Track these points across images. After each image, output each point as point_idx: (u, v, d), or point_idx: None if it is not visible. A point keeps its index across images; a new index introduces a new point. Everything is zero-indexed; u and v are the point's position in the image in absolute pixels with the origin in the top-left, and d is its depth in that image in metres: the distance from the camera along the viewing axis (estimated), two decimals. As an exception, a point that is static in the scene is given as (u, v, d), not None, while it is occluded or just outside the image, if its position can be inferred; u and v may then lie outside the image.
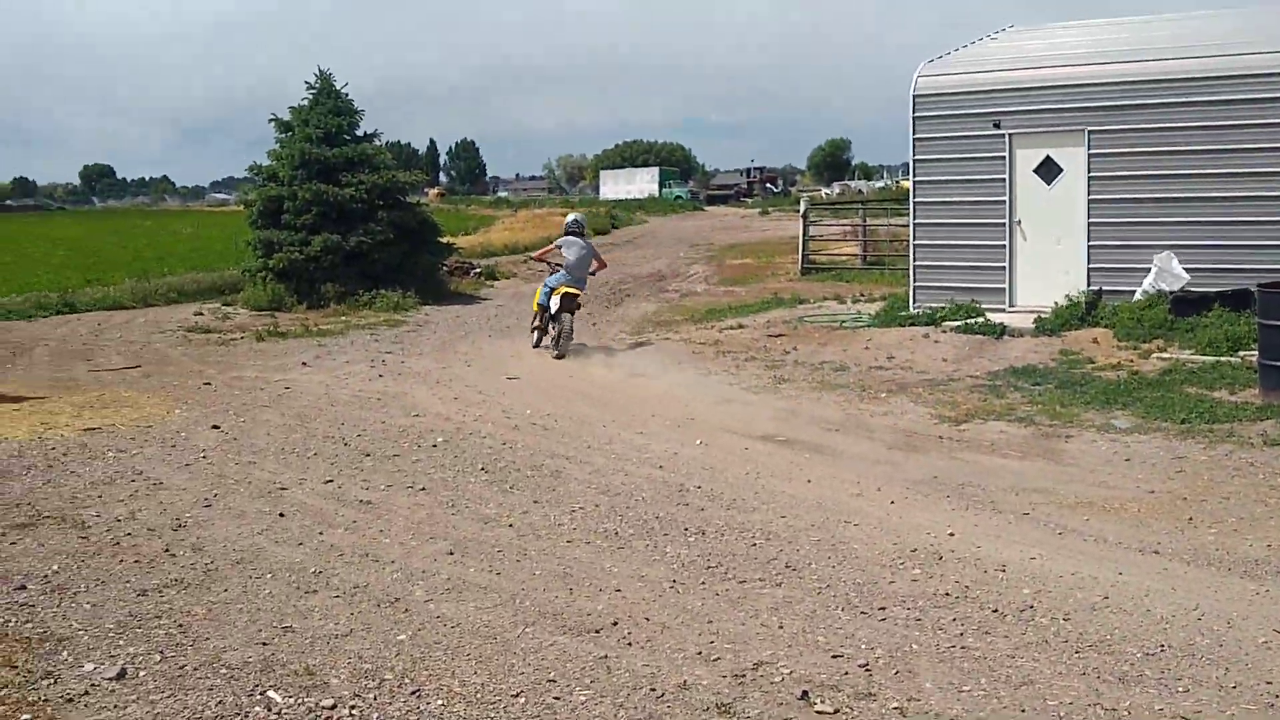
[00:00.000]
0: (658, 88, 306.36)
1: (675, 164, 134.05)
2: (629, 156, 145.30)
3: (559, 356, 15.52)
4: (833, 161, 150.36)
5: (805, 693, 5.16)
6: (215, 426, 11.32)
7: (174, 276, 26.21)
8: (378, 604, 6.35)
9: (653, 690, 5.24)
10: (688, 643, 5.77)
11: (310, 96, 25.21)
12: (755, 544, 7.38)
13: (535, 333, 16.62)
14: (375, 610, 6.26)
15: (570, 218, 17.81)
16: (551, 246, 17.22)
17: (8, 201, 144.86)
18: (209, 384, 14.04)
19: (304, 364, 15.72)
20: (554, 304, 15.82)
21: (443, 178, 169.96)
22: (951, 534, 7.56)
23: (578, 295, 16.00)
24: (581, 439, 10.71)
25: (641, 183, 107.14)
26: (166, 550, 7.33)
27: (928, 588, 6.50)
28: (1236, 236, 15.48)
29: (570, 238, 16.66)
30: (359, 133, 25.36)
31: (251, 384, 14.05)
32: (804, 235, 29.39)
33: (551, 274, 16.36)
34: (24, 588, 6.60)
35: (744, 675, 5.38)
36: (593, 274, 17.04)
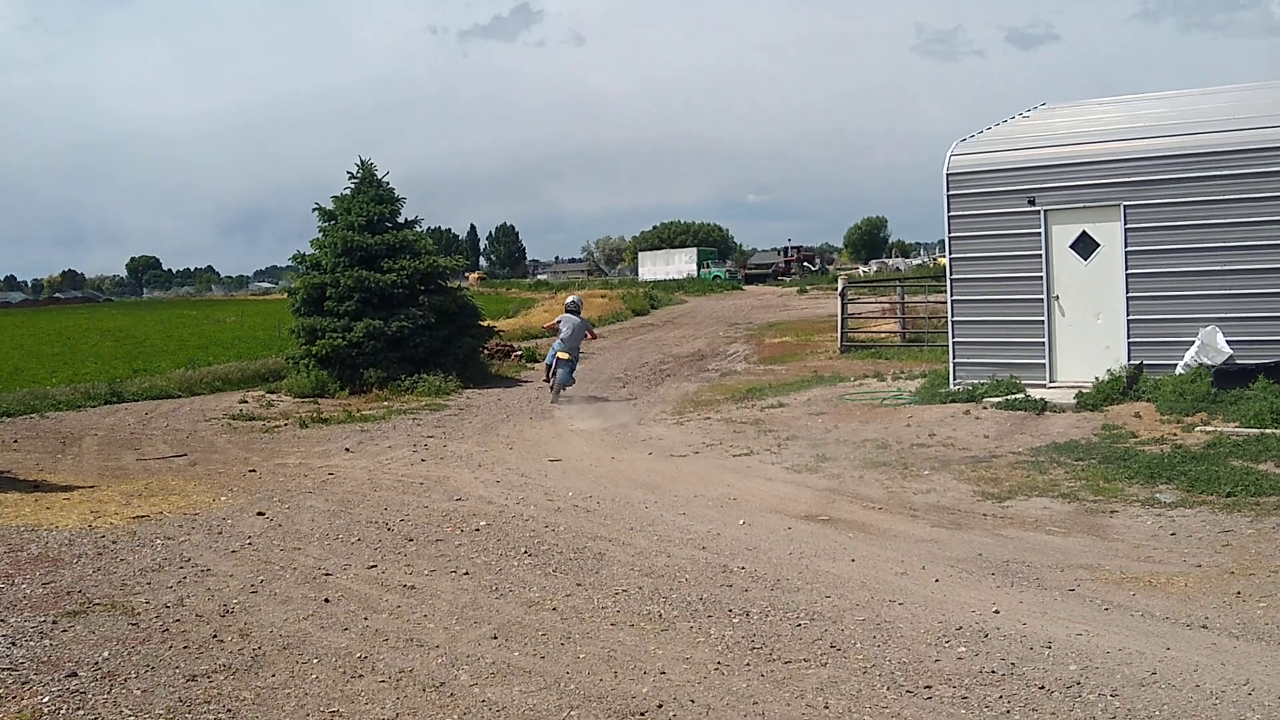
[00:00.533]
0: (694, 170, 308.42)
1: (713, 244, 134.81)
2: (667, 237, 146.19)
3: (555, 401, 20.39)
4: (869, 239, 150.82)
5: (852, 774, 5.14)
6: (260, 513, 11.43)
7: (219, 365, 26.60)
8: (423, 688, 6.38)
9: (699, 773, 5.23)
10: (733, 725, 5.76)
11: (352, 185, 25.72)
12: (800, 624, 7.36)
13: (548, 384, 21.16)
14: (421, 695, 6.29)
15: (569, 299, 22.51)
16: (554, 321, 21.84)
17: (56, 294, 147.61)
18: (254, 471, 14.18)
19: (347, 450, 15.85)
20: (554, 363, 20.78)
21: (483, 262, 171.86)
22: (997, 611, 7.52)
23: (569, 359, 20.76)
24: (624, 520, 10.74)
25: (680, 263, 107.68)
26: (214, 636, 7.39)
27: (973, 665, 6.47)
28: (1278, 308, 15.41)
29: (568, 315, 21.25)
30: (400, 220, 25.78)
31: (295, 470, 14.18)
32: (842, 313, 29.49)
33: (555, 342, 21.09)
34: (75, 674, 6.67)
35: (790, 757, 5.36)
36: (591, 338, 22.72)
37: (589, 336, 22.15)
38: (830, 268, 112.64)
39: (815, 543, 9.73)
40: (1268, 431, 12.97)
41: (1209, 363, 15.35)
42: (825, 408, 17.51)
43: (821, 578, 8.52)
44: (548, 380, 21.12)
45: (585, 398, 21.10)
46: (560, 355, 20.67)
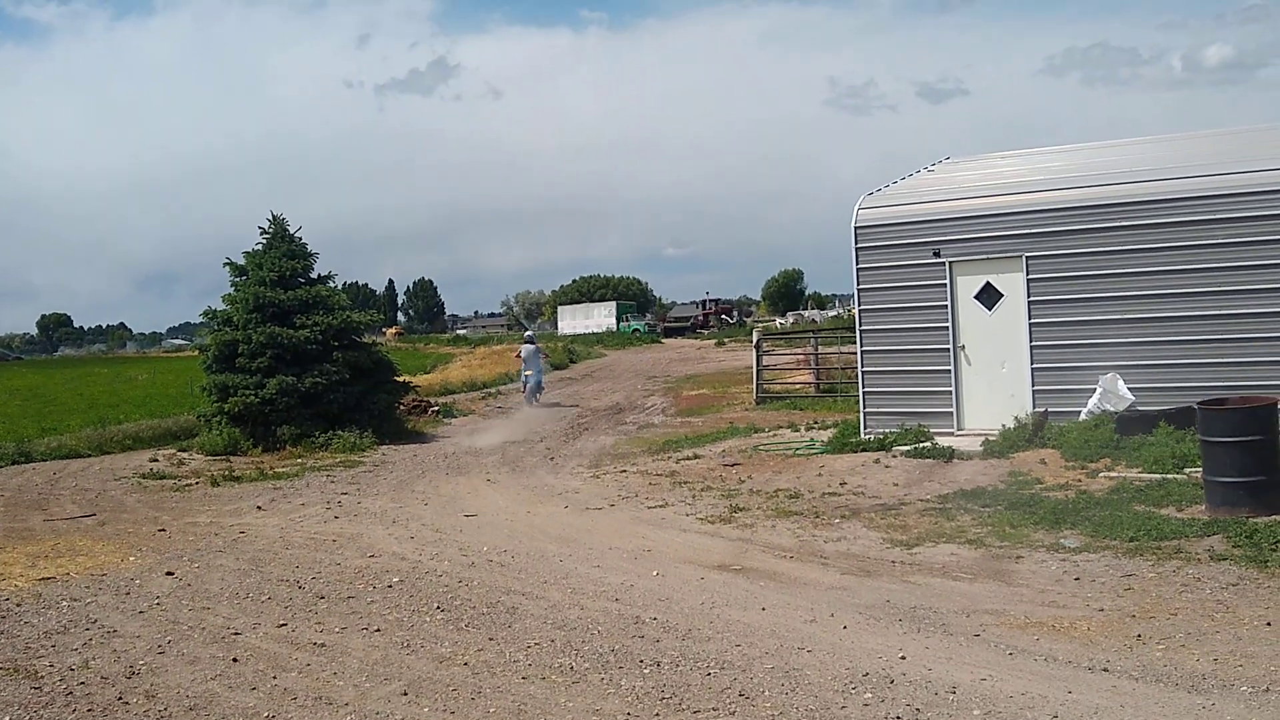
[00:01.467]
0: (613, 224, 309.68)
1: (632, 297, 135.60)
2: (586, 291, 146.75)
3: (528, 404, 29.91)
4: (786, 291, 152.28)
5: (758, 821, 5.19)
6: (170, 573, 11.26)
7: (130, 423, 26.11)
8: (331, 747, 6.33)
9: (606, 824, 5.24)
10: (641, 775, 5.78)
11: (264, 241, 25.48)
12: (710, 673, 7.41)
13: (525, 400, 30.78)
14: (329, 753, 6.24)
15: (526, 333, 35.94)
16: (517, 352, 32.87)
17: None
18: (164, 530, 13.97)
19: (259, 508, 15.66)
20: (523, 384, 30.81)
21: (401, 317, 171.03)
22: (903, 657, 7.62)
23: (534, 374, 30.49)
24: (538, 574, 10.73)
25: (599, 317, 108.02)
26: (120, 699, 7.28)
27: (879, 712, 6.55)
28: (1177, 355, 15.80)
29: (525, 345, 31.41)
30: (314, 275, 25.57)
31: (206, 529, 13.99)
32: (757, 365, 29.74)
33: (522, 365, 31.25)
34: (-27, 742, 6.54)
35: (697, 806, 5.40)
36: (545, 358, 33.49)
37: (544, 357, 32.89)
38: (748, 320, 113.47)
39: (727, 592, 9.79)
40: (1169, 477, 13.28)
41: (1112, 409, 15.70)
42: (740, 459, 17.63)
43: (732, 627, 8.58)
44: (525, 397, 30.76)
45: (501, 452, 21.06)
46: (526, 373, 30.83)
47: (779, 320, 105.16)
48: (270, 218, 25.61)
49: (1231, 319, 15.49)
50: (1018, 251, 16.91)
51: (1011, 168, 19.18)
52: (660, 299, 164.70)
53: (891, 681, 7.09)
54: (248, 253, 25.36)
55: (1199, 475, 12.29)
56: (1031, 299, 16.80)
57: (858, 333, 18.74)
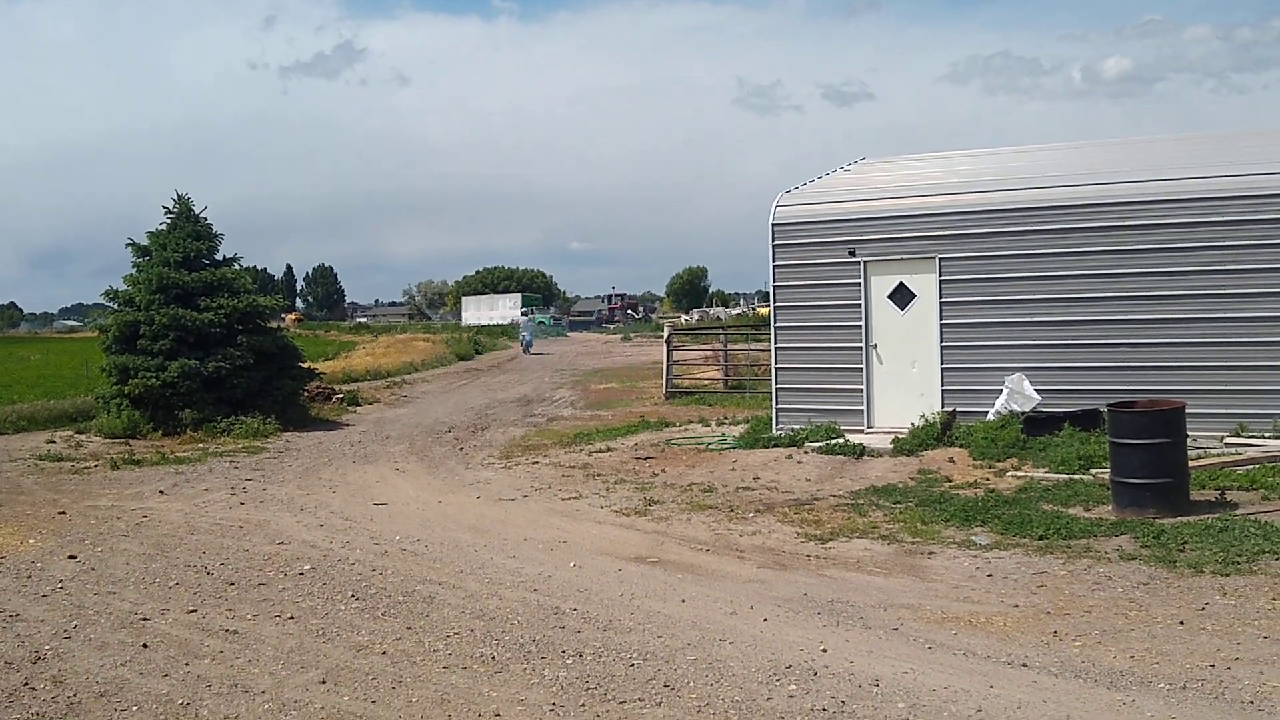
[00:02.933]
0: (518, 215, 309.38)
1: (537, 290, 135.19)
2: (491, 282, 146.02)
3: (525, 353, 49.27)
4: (690, 288, 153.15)
5: (690, 811, 5.16)
6: (72, 556, 10.95)
7: (23, 404, 25.37)
8: (250, 735, 6.18)
9: (537, 814, 5.18)
10: (570, 765, 5.73)
11: (169, 221, 24.92)
12: (633, 664, 7.38)
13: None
14: (247, 742, 6.09)
15: (521, 310, 57.38)
16: (517, 322, 56.99)
17: None
18: (64, 513, 13.59)
19: (161, 492, 15.32)
20: (522, 341, 54.16)
21: (299, 303, 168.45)
22: (824, 650, 7.65)
23: (529, 337, 55.75)
24: (454, 564, 10.61)
25: (504, 309, 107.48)
26: (26, 684, 7.04)
27: (805, 704, 6.56)
28: (1084, 358, 16.16)
29: (522, 319, 57.19)
30: (218, 257, 25.09)
31: (108, 513, 13.64)
32: (668, 360, 29.79)
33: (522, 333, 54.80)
34: None
35: (628, 796, 5.36)
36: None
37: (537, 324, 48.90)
38: (653, 316, 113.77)
39: (646, 584, 9.76)
40: (1076, 477, 13.53)
41: (1018, 409, 15.97)
42: (652, 452, 17.63)
43: (653, 618, 8.55)
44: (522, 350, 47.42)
45: (409, 441, 20.85)
46: (524, 334, 55.30)
47: (684, 317, 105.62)
48: (175, 197, 25.09)
49: (1136, 324, 15.86)
50: (931, 253, 17.13)
51: (926, 170, 19.42)
52: (565, 293, 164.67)
53: (815, 674, 7.11)
54: (151, 233, 24.78)
55: (1105, 476, 12.52)
56: (943, 300, 17.03)
57: (772, 329, 18.82)
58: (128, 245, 24.74)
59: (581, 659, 7.53)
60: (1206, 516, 11.22)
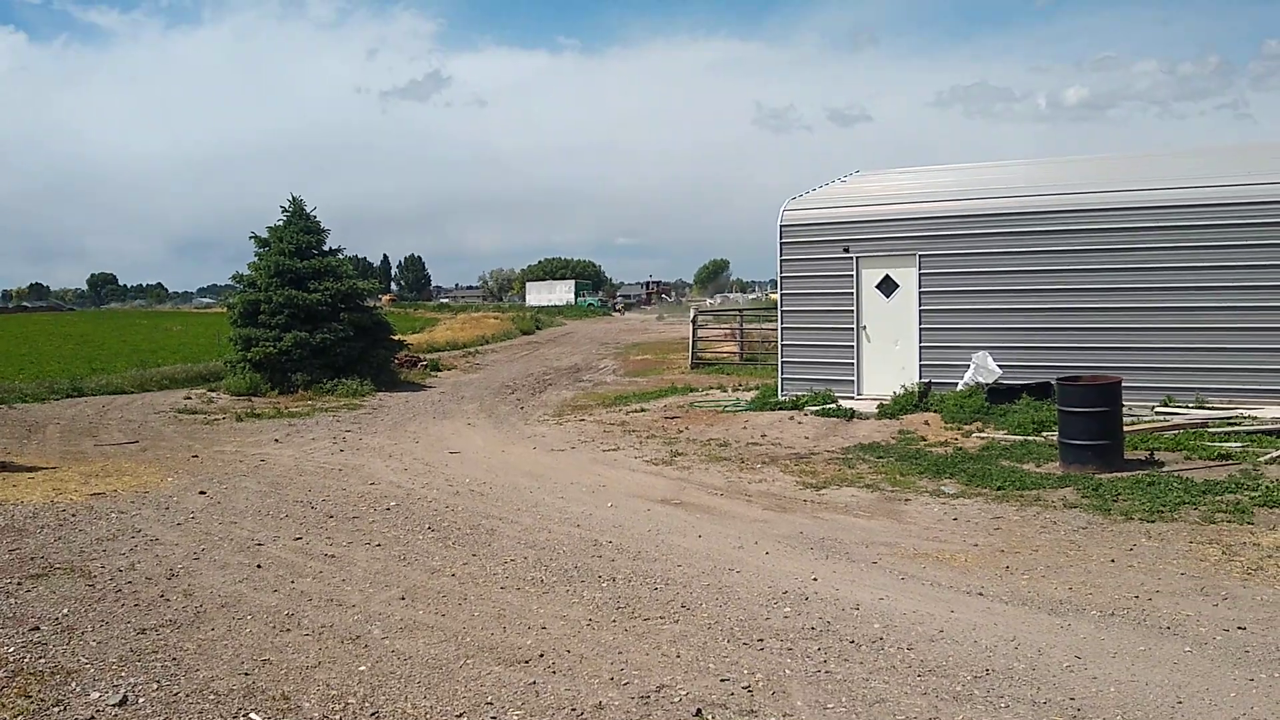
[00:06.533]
0: (575, 214, 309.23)
1: (588, 277, 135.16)
2: (550, 270, 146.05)
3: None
4: (714, 277, 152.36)
5: (699, 710, 5.17)
6: (202, 492, 11.07)
7: (167, 366, 25.74)
8: (342, 641, 6.24)
9: (574, 710, 5.21)
10: (602, 670, 5.75)
11: (285, 218, 25.11)
12: (657, 588, 7.38)
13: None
14: (340, 646, 6.14)
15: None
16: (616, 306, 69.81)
17: (24, 303, 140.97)
18: (196, 457, 13.73)
19: (276, 440, 15.44)
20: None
21: (394, 287, 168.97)
22: (815, 579, 7.63)
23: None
24: (512, 503, 10.65)
25: (560, 292, 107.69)
26: (162, 596, 7.13)
27: (797, 623, 6.55)
28: (1038, 339, 15.98)
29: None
30: (325, 248, 25.23)
31: (232, 457, 13.77)
32: (693, 337, 29.71)
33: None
34: (38, 629, 6.37)
35: (649, 697, 5.37)
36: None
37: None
38: (683, 300, 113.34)
39: (669, 522, 9.77)
40: (1029, 438, 13.39)
41: (983, 381, 15.83)
42: (678, 413, 17.61)
43: (674, 550, 8.56)
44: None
45: (479, 401, 20.90)
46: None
47: (709, 300, 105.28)
48: (290, 198, 25.29)
49: (1083, 311, 15.68)
50: (912, 250, 16.98)
51: (910, 181, 19.23)
52: (610, 279, 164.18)
53: (806, 599, 7.09)
54: (270, 227, 24.99)
55: (1054, 438, 12.38)
56: (922, 289, 16.88)
57: (779, 312, 18.73)
58: (251, 237, 24.96)
59: (614, 583, 7.54)
60: (1137, 473, 11.10)
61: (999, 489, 10.85)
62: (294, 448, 14.71)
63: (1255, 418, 13.52)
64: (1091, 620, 6.63)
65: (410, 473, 12.58)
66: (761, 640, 6.24)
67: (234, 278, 25.55)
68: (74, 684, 5.50)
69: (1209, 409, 14.30)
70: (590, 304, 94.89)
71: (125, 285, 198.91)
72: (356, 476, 12.29)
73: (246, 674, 5.67)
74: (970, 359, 16.14)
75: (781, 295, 18.73)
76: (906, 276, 17.09)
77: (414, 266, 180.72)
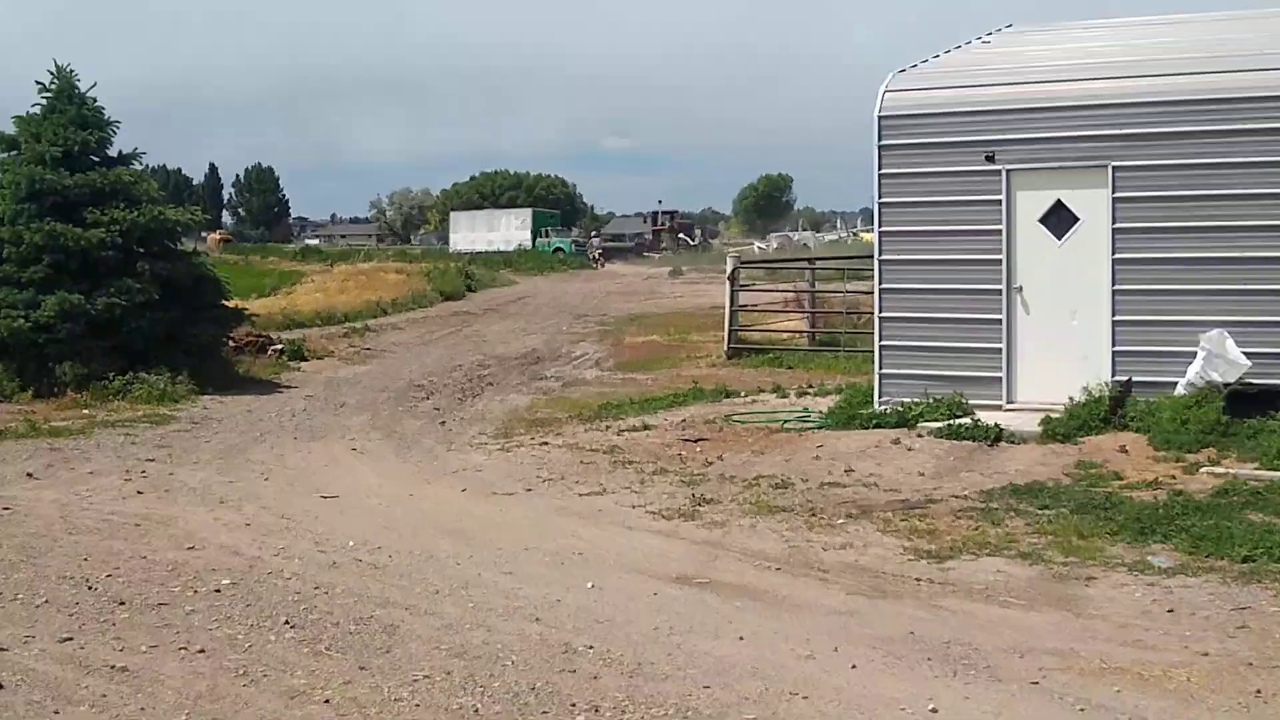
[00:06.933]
0: (531, 100, 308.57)
1: (555, 205, 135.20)
2: (491, 193, 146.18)
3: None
4: (769, 206, 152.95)
5: None
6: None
7: None
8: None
9: None
10: None
11: (44, 102, 24.96)
12: (669, 727, 7.41)
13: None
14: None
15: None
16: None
17: None
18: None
19: (30, 475, 15.47)
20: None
21: (227, 217, 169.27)
22: (934, 710, 7.65)
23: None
24: (426, 581, 10.68)
25: (508, 229, 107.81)
26: None
27: (905, 785, 6.58)
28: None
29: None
30: (112, 153, 25.19)
31: (-45, 503, 13.80)
32: (732, 304, 29.70)
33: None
34: None
35: None
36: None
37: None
38: (715, 242, 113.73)
39: (690, 614, 9.78)
40: (1296, 476, 13.40)
41: (1220, 379, 15.73)
42: (706, 432, 17.65)
43: (698, 661, 8.57)
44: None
45: (372, 410, 20.96)
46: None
47: (758, 244, 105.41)
48: (53, 70, 25.10)
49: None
50: (1102, 159, 16.87)
51: (1097, 43, 19.19)
52: (593, 208, 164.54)
53: (920, 744, 7.13)
54: (19, 118, 24.94)
55: (1342, 476, 12.41)
56: (1117, 226, 16.77)
57: (875, 264, 18.72)
58: (-16, 133, 24.90)
59: (598, 714, 7.56)
60: None
61: (1245, 561, 10.82)
62: (60, 487, 14.73)
63: None
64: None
65: (255, 530, 12.61)
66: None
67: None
68: None
69: None
70: (559, 248, 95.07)
71: None
72: (165, 536, 12.31)
73: None
74: (1198, 342, 16.09)
75: (880, 235, 18.69)
76: (1092, 204, 17.02)
77: (261, 185, 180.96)
